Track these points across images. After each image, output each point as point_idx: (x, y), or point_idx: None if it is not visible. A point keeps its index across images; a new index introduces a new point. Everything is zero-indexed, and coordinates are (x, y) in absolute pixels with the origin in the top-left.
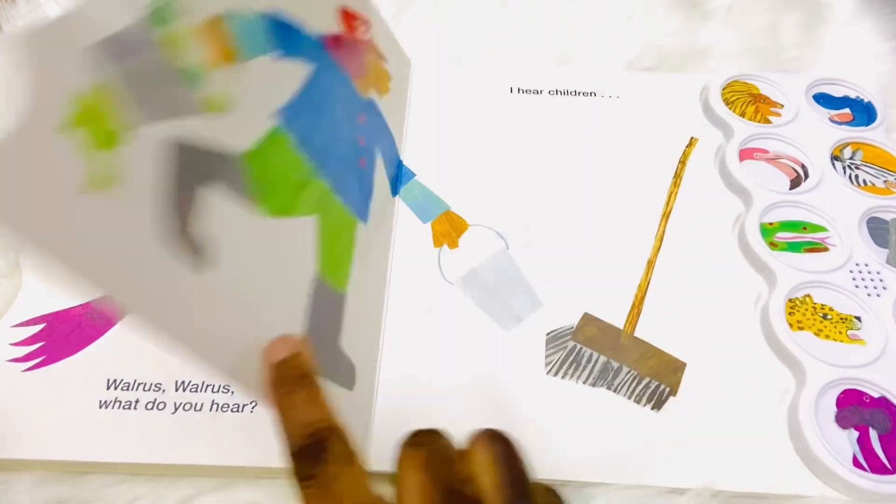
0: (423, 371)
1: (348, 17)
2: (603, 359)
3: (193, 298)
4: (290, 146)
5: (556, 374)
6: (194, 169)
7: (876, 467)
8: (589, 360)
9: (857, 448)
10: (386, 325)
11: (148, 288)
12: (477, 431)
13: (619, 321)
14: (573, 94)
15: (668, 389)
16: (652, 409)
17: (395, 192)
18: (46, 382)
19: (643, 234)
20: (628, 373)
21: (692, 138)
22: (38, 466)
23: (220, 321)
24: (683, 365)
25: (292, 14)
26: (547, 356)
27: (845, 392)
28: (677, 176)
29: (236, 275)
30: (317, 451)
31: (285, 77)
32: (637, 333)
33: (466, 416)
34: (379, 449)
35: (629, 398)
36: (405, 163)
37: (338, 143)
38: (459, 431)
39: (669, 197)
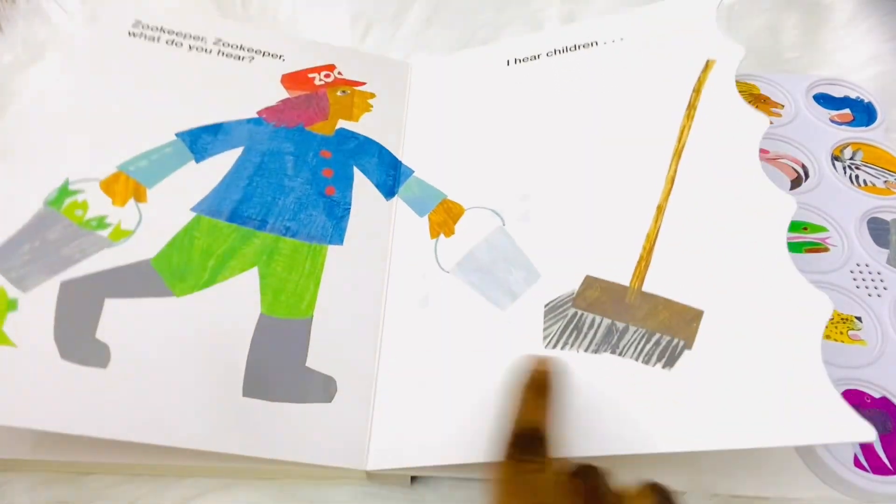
0: (422, 366)
1: (293, 79)
2: (607, 321)
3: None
4: (215, 226)
5: (554, 346)
6: (101, 289)
7: (877, 467)
8: (591, 326)
9: (858, 448)
10: (385, 325)
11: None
12: (643, 481)
13: (625, 278)
14: (573, 49)
15: (681, 343)
16: (663, 367)
17: (391, 194)
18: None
19: (651, 178)
20: (635, 332)
21: (708, 61)
22: (38, 467)
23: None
24: (700, 313)
25: (213, 119)
26: (545, 328)
27: (846, 392)
28: (691, 107)
29: (148, 357)
30: (529, 441)
31: (203, 175)
32: (646, 288)
33: (465, 406)
34: (379, 447)
35: (636, 359)
36: (404, 161)
37: (287, 192)
38: (458, 422)
39: (682, 132)
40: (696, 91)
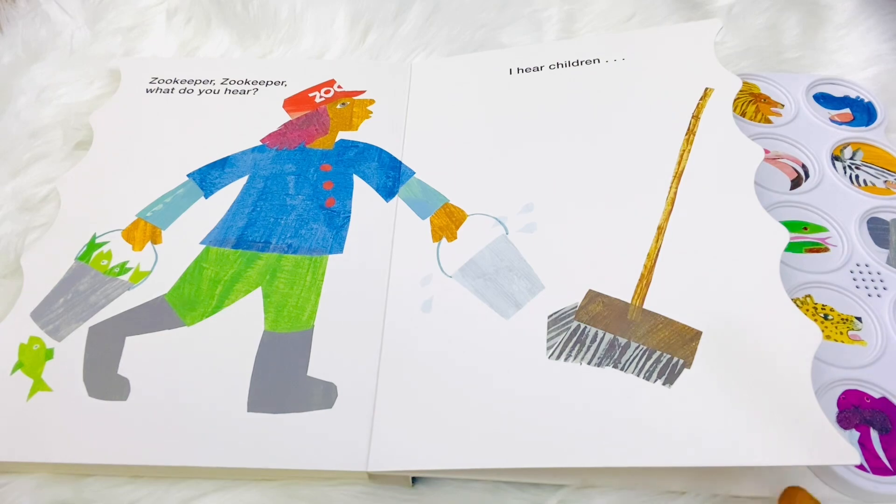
0: (425, 369)
1: (294, 101)
2: (609, 336)
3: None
4: (222, 254)
5: (558, 357)
6: (122, 329)
7: (877, 468)
8: (594, 340)
9: (857, 449)
10: (386, 328)
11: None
12: None
13: (626, 295)
14: (575, 64)
15: (681, 362)
16: (664, 384)
17: (391, 195)
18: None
19: (652, 200)
20: (637, 348)
21: (707, 89)
22: (39, 469)
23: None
24: (698, 334)
25: (221, 154)
26: (549, 339)
27: (846, 393)
28: (690, 132)
29: (164, 385)
30: None
31: (212, 208)
32: (647, 306)
33: (467, 411)
34: (380, 449)
35: (638, 375)
36: (405, 162)
37: (289, 211)
38: (459, 427)
39: (681, 156)
40: (696, 117)
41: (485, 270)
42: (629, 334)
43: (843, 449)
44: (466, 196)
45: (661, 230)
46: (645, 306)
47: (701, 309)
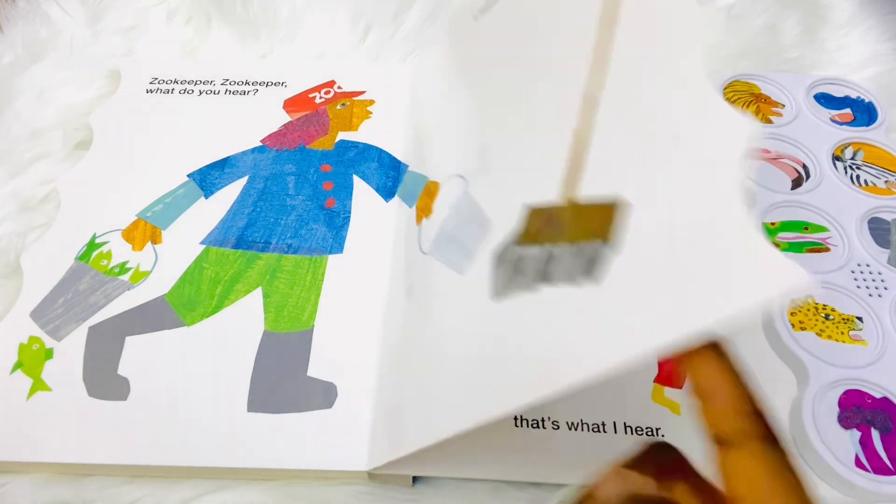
0: (418, 362)
1: (294, 102)
2: (545, 251)
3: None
4: (222, 254)
5: (501, 297)
6: (122, 329)
7: (878, 468)
8: (531, 262)
9: (859, 448)
10: (385, 326)
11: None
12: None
13: (561, 194)
14: None
15: (601, 244)
16: (588, 279)
17: (392, 194)
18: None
19: (574, 65)
20: (565, 250)
21: None
22: (39, 469)
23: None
24: (621, 203)
25: (222, 154)
26: (494, 280)
27: (847, 392)
28: None
29: (164, 385)
30: None
31: (212, 209)
32: (583, 195)
33: (455, 386)
34: (379, 447)
35: (564, 282)
36: (403, 160)
37: (289, 211)
38: (451, 405)
39: None
40: None
41: (450, 234)
42: (561, 238)
43: (789, 271)
44: (440, 166)
45: (588, 100)
46: (580, 197)
47: (637, 174)
